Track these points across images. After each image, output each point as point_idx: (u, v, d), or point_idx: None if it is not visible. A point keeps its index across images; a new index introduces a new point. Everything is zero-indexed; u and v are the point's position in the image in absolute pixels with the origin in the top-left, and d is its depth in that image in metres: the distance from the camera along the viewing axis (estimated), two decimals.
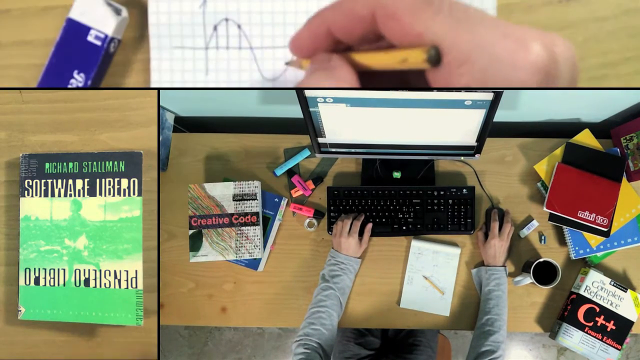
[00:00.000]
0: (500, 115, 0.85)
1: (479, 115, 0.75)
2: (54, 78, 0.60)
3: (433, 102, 0.71)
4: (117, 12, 0.60)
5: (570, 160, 0.92)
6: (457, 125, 0.79)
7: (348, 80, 0.42)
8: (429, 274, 0.94)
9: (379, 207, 0.94)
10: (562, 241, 0.94)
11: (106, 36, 0.60)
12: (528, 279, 0.88)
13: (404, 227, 0.94)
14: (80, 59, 0.60)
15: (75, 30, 0.60)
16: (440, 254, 0.94)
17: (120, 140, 0.64)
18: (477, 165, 0.97)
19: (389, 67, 0.40)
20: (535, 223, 0.94)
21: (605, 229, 0.88)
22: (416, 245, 0.94)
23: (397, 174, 0.97)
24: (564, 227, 0.92)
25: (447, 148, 0.87)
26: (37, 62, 0.62)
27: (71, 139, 0.64)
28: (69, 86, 0.60)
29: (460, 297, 0.93)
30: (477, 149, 0.86)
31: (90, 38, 0.60)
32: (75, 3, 0.60)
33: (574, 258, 0.92)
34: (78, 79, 0.60)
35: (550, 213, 0.90)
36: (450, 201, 0.93)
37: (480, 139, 0.82)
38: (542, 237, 0.94)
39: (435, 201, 0.94)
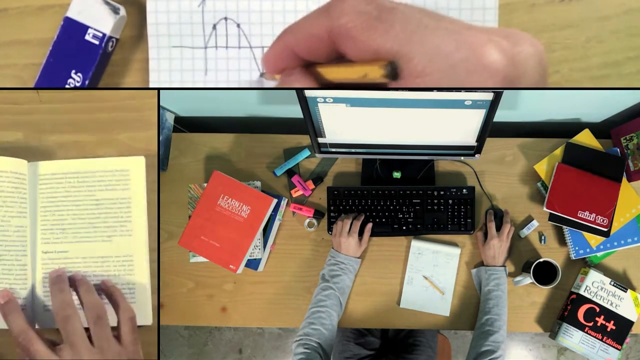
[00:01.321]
0: (500, 115, 0.84)
1: (479, 115, 0.74)
2: (51, 77, 0.60)
3: (433, 102, 0.71)
4: (115, 11, 0.59)
5: (570, 160, 0.92)
6: (457, 125, 0.78)
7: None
8: (429, 274, 0.93)
9: (379, 207, 0.94)
10: (562, 241, 0.94)
11: (104, 35, 0.59)
12: (528, 279, 0.88)
13: (404, 227, 0.94)
14: (77, 58, 0.59)
15: (72, 29, 0.59)
16: (440, 254, 0.94)
17: (138, 140, 0.64)
18: (477, 165, 0.97)
19: (352, 81, 0.42)
20: (535, 223, 0.94)
21: (605, 229, 0.88)
22: (416, 245, 0.94)
23: (397, 174, 0.97)
24: (564, 227, 0.92)
25: (447, 148, 0.86)
26: (34, 62, 0.62)
27: (88, 138, 0.64)
28: (67, 86, 0.60)
29: (460, 297, 0.93)
30: (477, 149, 0.86)
31: (87, 37, 0.59)
32: (73, 2, 0.59)
33: (574, 258, 0.92)
34: (76, 78, 0.60)
35: (550, 213, 0.90)
36: (450, 201, 0.93)
37: (480, 139, 0.82)
38: (542, 237, 0.94)
39: (435, 201, 0.93)
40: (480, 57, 0.36)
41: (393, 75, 0.38)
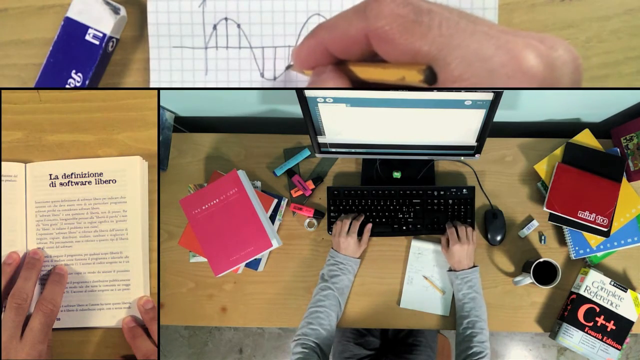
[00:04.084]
0: (500, 115, 0.84)
1: (479, 115, 0.74)
2: (51, 78, 0.60)
3: (433, 102, 0.71)
4: (116, 11, 0.60)
5: (570, 160, 0.92)
6: (457, 125, 0.78)
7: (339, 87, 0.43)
8: (429, 274, 0.93)
9: (379, 207, 0.94)
10: (562, 241, 0.94)
11: (104, 35, 0.59)
12: (528, 279, 0.88)
13: (404, 227, 0.94)
14: (78, 59, 0.59)
15: (73, 30, 0.59)
16: (440, 254, 0.94)
17: (138, 140, 0.64)
18: (477, 165, 0.97)
19: (386, 82, 0.41)
20: (535, 223, 0.94)
21: (605, 229, 0.88)
22: (416, 245, 0.94)
23: (397, 174, 0.97)
24: (564, 227, 0.92)
25: (447, 148, 0.86)
26: (34, 62, 0.62)
27: (89, 138, 0.64)
28: (67, 86, 0.60)
29: None
30: (477, 149, 0.86)
31: (88, 37, 0.59)
32: (73, 2, 0.59)
33: (574, 258, 0.92)
34: (76, 78, 0.60)
35: (550, 213, 0.90)
36: (450, 201, 0.93)
37: (480, 139, 0.82)
38: (542, 237, 0.94)
39: (435, 201, 0.93)
40: (520, 62, 0.35)
41: (431, 80, 0.37)
